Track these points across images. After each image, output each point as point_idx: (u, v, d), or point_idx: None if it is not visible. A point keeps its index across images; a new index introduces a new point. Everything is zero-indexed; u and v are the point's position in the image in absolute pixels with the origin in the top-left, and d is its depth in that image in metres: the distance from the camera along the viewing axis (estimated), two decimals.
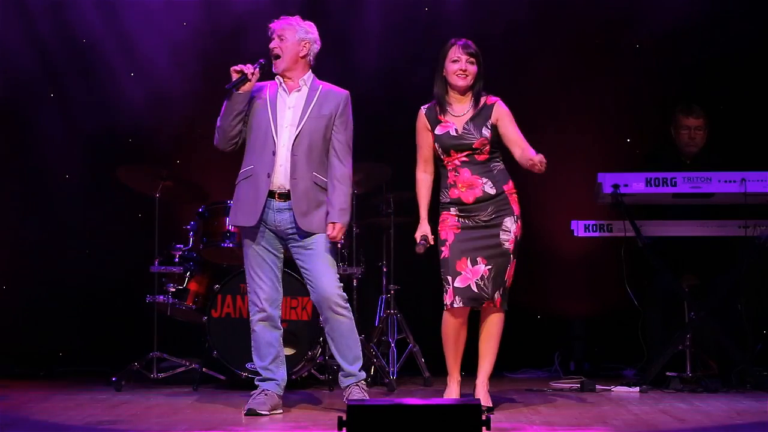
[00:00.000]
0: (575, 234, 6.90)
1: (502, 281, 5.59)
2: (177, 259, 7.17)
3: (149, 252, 7.15)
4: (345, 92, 5.70)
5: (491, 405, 5.63)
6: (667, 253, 6.87)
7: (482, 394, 5.64)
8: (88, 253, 8.26)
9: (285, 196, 5.56)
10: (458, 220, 5.63)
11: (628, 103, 8.06)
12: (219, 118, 5.55)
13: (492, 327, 5.63)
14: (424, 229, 5.64)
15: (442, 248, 5.64)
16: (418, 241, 5.58)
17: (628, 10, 7.97)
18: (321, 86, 5.67)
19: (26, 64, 8.22)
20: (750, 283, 6.81)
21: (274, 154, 5.54)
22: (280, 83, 5.65)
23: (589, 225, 6.88)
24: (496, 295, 5.57)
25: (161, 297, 7.11)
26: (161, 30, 8.17)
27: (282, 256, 5.71)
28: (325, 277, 5.57)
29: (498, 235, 5.59)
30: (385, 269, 7.45)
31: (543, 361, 7.98)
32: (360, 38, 8.05)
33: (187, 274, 7.16)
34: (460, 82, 5.64)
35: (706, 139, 7.25)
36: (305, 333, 6.79)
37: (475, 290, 5.54)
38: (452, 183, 5.67)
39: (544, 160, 5.35)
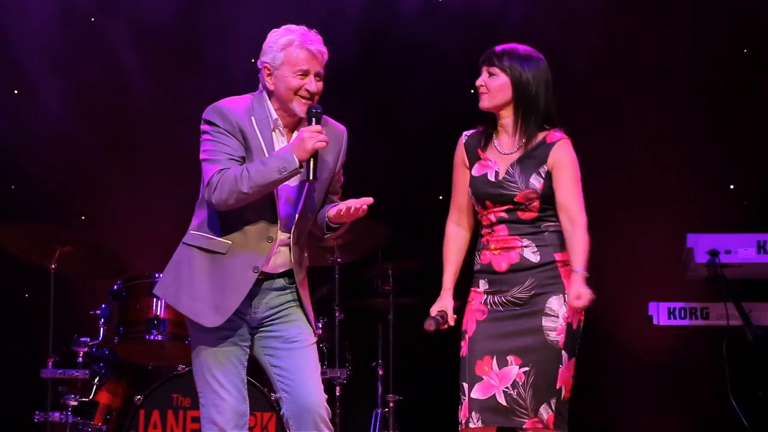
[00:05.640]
0: (655, 321, 6.51)
1: (550, 390, 4.82)
2: (81, 359, 6.49)
3: (41, 349, 6.43)
4: (343, 131, 5.14)
5: None
6: None
7: None
8: None
9: (272, 276, 4.99)
10: (485, 303, 4.88)
11: (731, 139, 7.35)
12: (249, 184, 4.85)
13: None
14: (444, 302, 4.97)
15: (462, 343, 4.98)
16: (432, 315, 4.97)
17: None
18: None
19: None
20: None
21: (270, 240, 4.94)
22: (276, 124, 4.92)
23: (674, 309, 6.50)
24: (542, 411, 4.81)
25: (57, 414, 6.40)
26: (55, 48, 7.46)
27: (248, 351, 5.01)
28: (310, 381, 4.92)
29: (540, 321, 4.83)
30: (381, 371, 6.82)
31: None
32: (364, 71, 7.60)
33: (96, 380, 6.53)
34: (480, 103, 4.99)
35: None
36: None
37: (504, 403, 4.81)
38: (485, 243, 4.97)
39: (585, 304, 4.72)
